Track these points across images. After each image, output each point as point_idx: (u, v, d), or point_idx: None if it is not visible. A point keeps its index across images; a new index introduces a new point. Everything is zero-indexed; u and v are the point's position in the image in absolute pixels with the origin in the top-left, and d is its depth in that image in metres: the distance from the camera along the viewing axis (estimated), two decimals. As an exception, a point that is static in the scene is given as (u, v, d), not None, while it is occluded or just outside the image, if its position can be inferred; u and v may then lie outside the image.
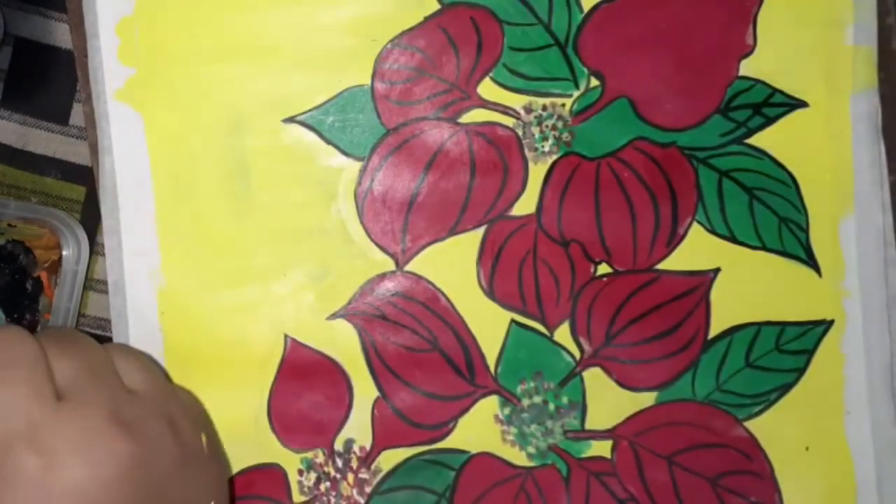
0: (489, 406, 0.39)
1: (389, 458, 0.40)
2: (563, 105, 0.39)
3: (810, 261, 0.39)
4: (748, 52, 0.39)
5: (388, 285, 0.40)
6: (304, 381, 0.39)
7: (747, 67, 0.39)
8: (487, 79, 0.39)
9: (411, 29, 0.39)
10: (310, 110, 0.39)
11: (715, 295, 0.39)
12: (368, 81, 0.39)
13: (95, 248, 0.41)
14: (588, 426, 0.39)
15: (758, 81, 0.39)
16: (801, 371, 0.39)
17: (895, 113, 0.39)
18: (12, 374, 0.29)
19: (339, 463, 0.39)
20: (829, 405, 0.39)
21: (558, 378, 0.39)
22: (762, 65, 0.39)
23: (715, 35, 0.39)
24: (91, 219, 0.41)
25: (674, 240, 0.39)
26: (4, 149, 0.41)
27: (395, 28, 0.39)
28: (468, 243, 0.39)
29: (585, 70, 0.39)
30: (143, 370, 0.33)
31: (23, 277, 0.40)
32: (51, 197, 0.41)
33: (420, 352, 0.39)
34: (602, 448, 0.39)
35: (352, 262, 0.39)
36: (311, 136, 0.39)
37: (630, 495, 0.39)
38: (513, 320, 0.39)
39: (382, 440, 0.39)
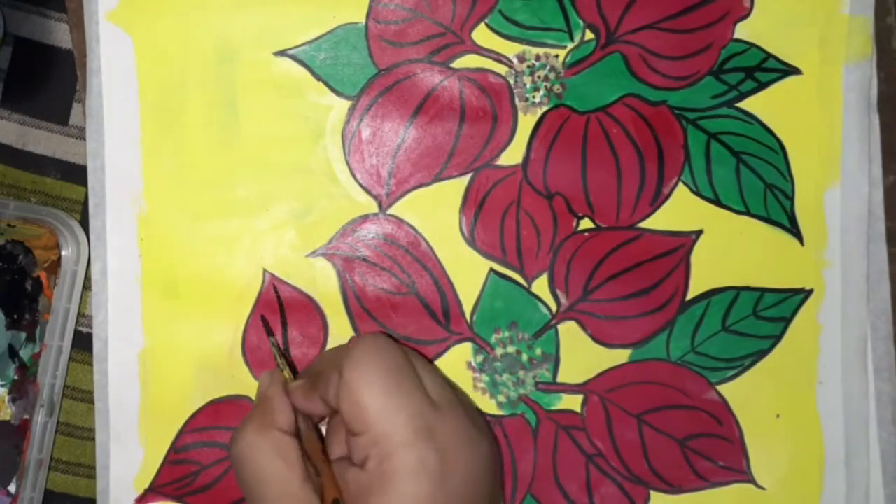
0: (462, 352, 0.39)
1: (360, 398, 0.39)
2: (557, 56, 0.39)
3: (793, 229, 0.39)
4: (745, 14, 0.39)
5: (370, 227, 0.39)
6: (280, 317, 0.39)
7: (743, 30, 0.39)
8: (482, 24, 0.39)
9: (409, -31, 0.39)
10: (302, 45, 0.39)
11: (696, 257, 0.39)
12: (363, 19, 0.39)
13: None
14: (560, 379, 0.39)
15: (752, 45, 0.39)
16: (776, 338, 0.39)
17: (895, 113, 0.39)
18: (406, 381, 0.33)
19: (309, 398, 0.39)
20: (803, 374, 0.39)
21: (533, 329, 0.39)
22: (758, 29, 0.39)
23: (713, -4, 0.39)
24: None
25: (658, 199, 0.39)
26: (4, 149, 0.40)
27: (392, -33, 0.39)
28: (453, 190, 0.39)
29: (581, 22, 0.39)
30: (442, 382, 0.35)
31: (22, 277, 0.40)
32: (51, 197, 0.41)
33: (398, 295, 0.39)
34: (572, 402, 0.39)
35: (335, 202, 0.39)
36: (302, 71, 0.39)
37: (597, 451, 0.39)
38: (492, 269, 0.39)
39: (354, 380, 0.39)
